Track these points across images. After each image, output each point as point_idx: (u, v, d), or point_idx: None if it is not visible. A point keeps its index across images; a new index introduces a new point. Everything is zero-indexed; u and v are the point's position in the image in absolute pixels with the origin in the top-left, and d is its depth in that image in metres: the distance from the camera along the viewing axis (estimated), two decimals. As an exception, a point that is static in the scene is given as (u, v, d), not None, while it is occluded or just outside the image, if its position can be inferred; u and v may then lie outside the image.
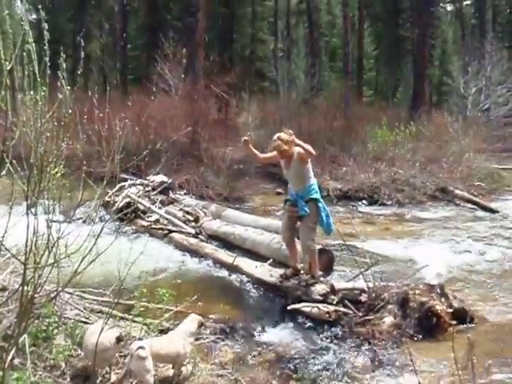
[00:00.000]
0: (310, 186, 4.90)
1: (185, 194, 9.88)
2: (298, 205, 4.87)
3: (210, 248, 6.63)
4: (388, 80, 33.37)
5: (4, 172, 2.45)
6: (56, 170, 2.54)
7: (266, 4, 32.43)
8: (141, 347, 2.82)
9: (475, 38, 28.68)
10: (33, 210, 2.56)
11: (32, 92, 2.52)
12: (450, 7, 40.83)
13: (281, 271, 5.22)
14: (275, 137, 4.87)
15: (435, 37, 30.82)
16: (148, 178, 9.60)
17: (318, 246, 5.13)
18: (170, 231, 7.39)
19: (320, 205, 4.87)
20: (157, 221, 7.81)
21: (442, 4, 35.66)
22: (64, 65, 2.60)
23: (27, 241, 2.45)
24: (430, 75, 30.58)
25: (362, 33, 26.52)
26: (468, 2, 38.78)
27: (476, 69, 19.24)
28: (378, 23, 34.95)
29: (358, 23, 26.97)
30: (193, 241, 6.96)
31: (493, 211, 9.99)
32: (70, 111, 2.59)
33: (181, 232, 7.29)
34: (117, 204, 7.73)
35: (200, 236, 7.15)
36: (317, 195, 4.91)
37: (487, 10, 33.20)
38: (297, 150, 4.80)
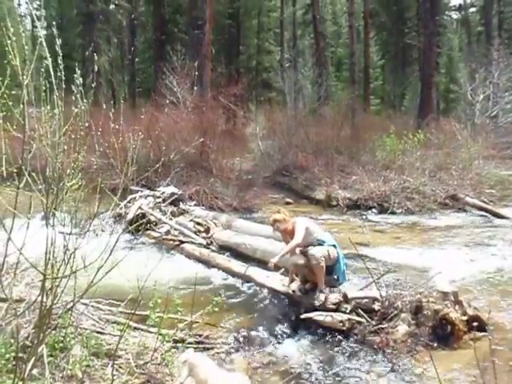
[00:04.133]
0: (322, 240, 4.94)
1: (195, 205, 9.92)
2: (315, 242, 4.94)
3: (221, 258, 6.64)
4: (395, 88, 33.41)
5: (22, 184, 2.50)
6: (73, 181, 2.59)
7: (271, 15, 32.74)
8: None
9: (481, 44, 28.72)
10: (50, 221, 2.60)
11: (49, 106, 2.58)
12: (455, 15, 40.95)
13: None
14: (271, 220, 5.09)
15: (441, 45, 30.87)
16: (158, 189, 9.67)
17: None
18: (181, 242, 7.42)
19: (338, 251, 4.90)
20: (168, 232, 7.86)
21: (447, 12, 35.76)
22: (79, 80, 2.66)
23: (46, 252, 2.49)
24: (437, 83, 30.60)
25: (368, 42, 26.65)
26: (474, 10, 38.85)
27: (483, 76, 19.24)
28: (383, 32, 35.10)
29: (364, 33, 27.13)
30: (204, 251, 6.99)
31: (504, 218, 9.92)
32: (86, 124, 2.65)
33: (192, 243, 7.33)
34: (129, 216, 7.79)
35: (211, 246, 7.18)
36: (334, 242, 4.97)
37: (493, 16, 33.24)
38: (292, 221, 4.98)
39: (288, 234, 5.03)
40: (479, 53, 23.48)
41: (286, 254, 4.93)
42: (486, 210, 10.53)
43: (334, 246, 4.92)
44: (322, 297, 4.71)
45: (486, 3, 33.31)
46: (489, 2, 33.17)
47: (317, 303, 4.70)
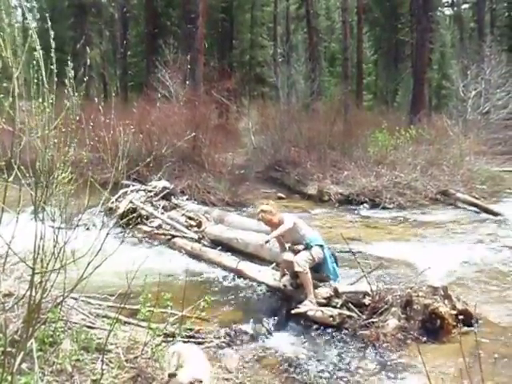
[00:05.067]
0: (311, 242, 4.91)
1: (187, 199, 9.91)
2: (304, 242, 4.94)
3: (212, 252, 6.65)
4: (387, 84, 33.49)
5: (11, 178, 2.48)
6: (63, 175, 2.57)
7: (265, 10, 32.63)
8: None
9: (474, 41, 28.82)
10: (40, 215, 2.58)
11: (39, 99, 2.56)
12: (448, 11, 41.06)
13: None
14: (258, 209, 5.15)
15: (434, 41, 30.94)
16: (150, 183, 9.63)
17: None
18: (173, 236, 7.41)
19: (325, 251, 4.91)
20: (159, 226, 7.84)
21: (440, 8, 35.85)
22: (71, 73, 2.63)
23: (35, 246, 2.47)
24: (430, 79, 30.72)
25: (361, 38, 26.64)
26: (466, 6, 38.97)
27: (475, 72, 19.29)
28: (376, 28, 35.12)
29: (357, 28, 27.12)
30: (196, 246, 6.98)
31: (495, 214, 10.01)
32: (77, 118, 2.62)
33: (184, 237, 7.32)
34: (120, 210, 7.75)
35: (203, 241, 7.17)
36: (321, 242, 4.97)
37: (485, 13, 33.37)
38: (280, 216, 5.01)
39: (273, 227, 5.06)
40: (471, 49, 23.56)
41: (276, 236, 4.95)
42: (477, 206, 10.61)
43: (321, 245, 4.92)
44: (311, 306, 4.61)
45: (478, 0, 33.43)
46: (481, -2, 33.30)
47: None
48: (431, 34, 27.52)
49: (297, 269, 4.72)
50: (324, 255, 4.90)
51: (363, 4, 27.38)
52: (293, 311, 4.60)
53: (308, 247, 4.87)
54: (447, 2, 38.54)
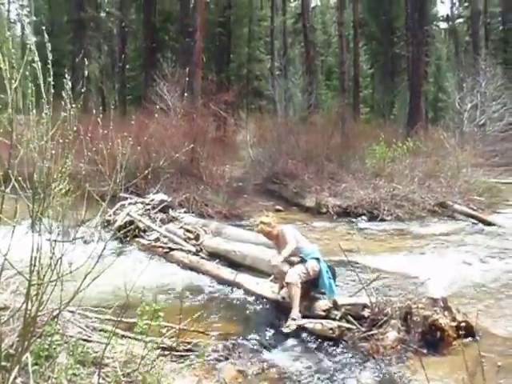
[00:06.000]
0: (308, 255, 4.87)
1: (185, 212, 9.88)
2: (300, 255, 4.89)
3: (210, 265, 6.61)
4: (384, 97, 33.72)
5: (8, 189, 2.47)
6: (60, 187, 2.56)
7: (262, 24, 32.97)
8: None
9: (469, 54, 29.17)
10: (36, 227, 2.57)
11: (35, 111, 2.56)
12: (443, 25, 41.57)
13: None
14: (258, 221, 5.14)
15: (430, 54, 31.31)
16: (148, 196, 9.61)
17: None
18: (171, 249, 7.38)
19: (321, 265, 4.81)
20: (157, 239, 7.81)
21: (435, 22, 36.31)
22: (69, 85, 2.64)
23: (31, 258, 2.45)
24: (426, 92, 30.99)
25: (358, 51, 26.89)
26: (461, 20, 39.48)
27: (471, 85, 19.48)
28: (373, 42, 35.50)
29: (354, 42, 27.37)
30: (193, 258, 6.94)
31: (492, 225, 10.02)
32: (75, 128, 2.62)
33: (181, 250, 7.28)
34: (117, 223, 7.72)
35: (201, 253, 7.14)
36: (318, 256, 4.89)
37: (480, 27, 33.83)
38: (279, 228, 4.97)
39: (272, 239, 5.05)
40: (467, 62, 23.80)
41: (288, 257, 4.81)
42: (475, 217, 10.62)
43: (317, 259, 4.84)
44: (296, 322, 4.46)
45: (472, 14, 33.90)
46: (475, 13, 33.77)
47: (307, 313, 4.67)
48: (427, 47, 27.87)
49: (287, 280, 4.65)
50: (320, 269, 4.82)
51: (359, 18, 27.71)
52: (283, 330, 4.51)
53: (303, 261, 4.82)
54: (442, 17, 39.12)
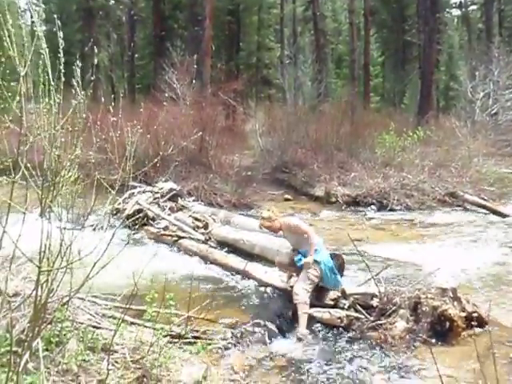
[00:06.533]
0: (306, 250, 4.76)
1: (194, 200, 9.91)
2: (295, 258, 4.87)
3: (219, 254, 6.63)
4: (395, 86, 33.39)
5: (18, 177, 2.48)
6: (69, 174, 2.56)
7: (272, 12, 32.68)
8: None
9: (482, 42, 28.66)
10: (46, 215, 2.58)
11: (46, 99, 2.56)
12: (456, 12, 40.88)
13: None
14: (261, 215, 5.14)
15: (441, 42, 30.84)
16: (157, 185, 9.64)
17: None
18: (180, 237, 7.41)
19: (322, 266, 4.66)
20: (166, 227, 7.84)
21: (447, 9, 35.70)
22: (78, 72, 2.63)
23: (41, 245, 2.46)
24: (437, 80, 30.59)
25: (368, 39, 26.61)
26: (474, 7, 38.77)
27: (483, 73, 19.20)
28: (383, 30, 35.06)
29: (364, 30, 27.09)
30: (202, 247, 6.97)
31: (504, 215, 9.92)
32: (84, 116, 2.62)
33: (190, 238, 7.31)
34: (127, 211, 7.76)
35: (209, 242, 7.16)
36: (318, 257, 4.69)
37: (494, 14, 33.18)
38: (282, 221, 4.92)
39: (276, 232, 5.04)
40: (479, 50, 23.41)
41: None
42: (486, 208, 10.52)
43: (318, 262, 4.66)
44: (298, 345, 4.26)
45: (486, 1, 33.23)
46: (489, -1, 33.13)
47: (315, 302, 4.66)
48: (439, 35, 27.46)
49: (295, 301, 4.54)
50: (323, 271, 4.66)
51: (370, 6, 27.35)
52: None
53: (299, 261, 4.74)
54: (455, 4, 38.46)
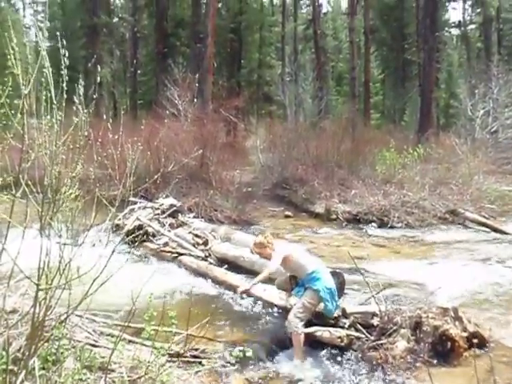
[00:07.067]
0: (310, 275, 4.60)
1: (194, 217, 9.88)
2: (293, 292, 4.85)
3: (219, 271, 6.59)
4: (395, 103, 33.63)
5: (19, 194, 2.48)
6: (70, 191, 2.57)
7: (273, 30, 33.12)
8: None
9: (481, 61, 28.98)
10: (46, 231, 2.58)
11: (48, 116, 2.57)
12: (455, 31, 41.36)
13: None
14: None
15: (441, 60, 31.17)
16: (157, 201, 9.63)
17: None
18: (179, 254, 7.37)
19: (321, 294, 4.49)
20: (166, 244, 7.81)
21: (447, 28, 36.15)
22: (81, 90, 2.66)
23: (40, 262, 2.45)
24: (437, 98, 30.81)
25: (369, 57, 26.88)
26: (473, 26, 39.24)
27: (483, 91, 19.37)
28: (383, 48, 35.47)
29: (364, 48, 27.38)
30: (202, 264, 6.93)
31: (504, 233, 9.88)
32: (86, 133, 2.64)
33: (190, 255, 7.28)
34: (126, 227, 7.75)
35: (209, 259, 7.12)
36: (317, 285, 4.52)
37: (492, 33, 33.60)
38: (271, 252, 4.81)
39: (268, 258, 4.88)
40: (479, 69, 23.70)
41: (257, 283, 4.94)
42: (487, 226, 10.49)
43: (316, 290, 4.49)
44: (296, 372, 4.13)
45: (485, 20, 33.68)
46: (488, 19, 33.57)
47: (315, 321, 4.61)
48: (438, 53, 27.75)
49: (289, 330, 4.40)
50: (323, 298, 4.49)
51: (370, 24, 27.70)
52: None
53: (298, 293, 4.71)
54: (454, 23, 38.89)
